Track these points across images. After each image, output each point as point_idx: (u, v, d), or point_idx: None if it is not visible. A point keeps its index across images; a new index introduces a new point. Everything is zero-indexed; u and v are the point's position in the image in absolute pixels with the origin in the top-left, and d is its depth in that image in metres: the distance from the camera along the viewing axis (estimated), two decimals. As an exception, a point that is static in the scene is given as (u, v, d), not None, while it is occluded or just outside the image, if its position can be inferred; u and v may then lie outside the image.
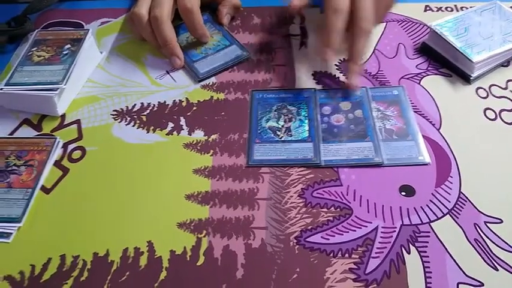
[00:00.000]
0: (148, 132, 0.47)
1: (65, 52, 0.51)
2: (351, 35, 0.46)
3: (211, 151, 0.45)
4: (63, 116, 0.49)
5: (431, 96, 0.48)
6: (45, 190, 0.43)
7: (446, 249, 0.37)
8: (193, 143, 0.46)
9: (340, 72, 0.51)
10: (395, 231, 0.38)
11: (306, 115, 0.47)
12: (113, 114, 0.49)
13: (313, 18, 0.53)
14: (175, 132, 0.47)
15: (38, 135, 0.47)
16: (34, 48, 0.51)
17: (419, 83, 0.50)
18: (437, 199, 0.40)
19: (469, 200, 0.40)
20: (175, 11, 0.53)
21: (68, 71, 0.48)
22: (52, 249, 0.39)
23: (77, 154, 0.45)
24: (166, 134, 0.47)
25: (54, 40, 0.53)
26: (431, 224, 0.38)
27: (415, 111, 0.47)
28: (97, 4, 0.63)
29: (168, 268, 0.37)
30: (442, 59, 0.51)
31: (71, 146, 0.46)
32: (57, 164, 0.45)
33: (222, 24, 0.57)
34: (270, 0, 0.61)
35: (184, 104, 0.49)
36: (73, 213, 0.41)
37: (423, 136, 0.44)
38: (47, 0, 0.60)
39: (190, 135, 0.46)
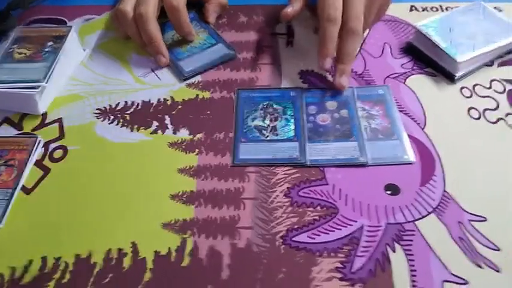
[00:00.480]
0: (132, 131, 0.46)
1: (46, 49, 0.50)
2: (340, 36, 0.46)
3: (197, 150, 0.44)
4: (44, 115, 0.48)
5: (416, 96, 0.48)
6: (26, 190, 0.42)
7: (430, 247, 0.37)
8: (178, 142, 0.45)
9: (327, 72, 0.51)
10: (380, 229, 0.38)
11: (292, 114, 0.47)
12: (96, 113, 0.48)
13: (300, 17, 0.53)
14: (160, 131, 0.46)
15: (18, 134, 0.46)
16: (15, 45, 0.50)
17: (404, 83, 0.50)
18: (422, 198, 0.40)
19: (453, 198, 0.40)
20: (161, 8, 0.52)
21: (50, 69, 0.47)
22: (33, 251, 0.38)
23: (58, 153, 0.44)
24: (150, 133, 0.46)
25: (36, 37, 0.51)
26: (416, 222, 0.39)
27: (400, 111, 0.47)
28: (81, 1, 0.62)
29: (152, 269, 0.36)
30: (426, 59, 0.51)
31: (52, 145, 0.45)
32: (38, 163, 0.44)
33: (208, 22, 0.57)
34: (257, -1, 0.61)
35: (169, 102, 0.49)
36: (54, 213, 0.40)
37: (408, 135, 0.44)
38: (30, -4, 0.59)
39: (175, 134, 0.46)
